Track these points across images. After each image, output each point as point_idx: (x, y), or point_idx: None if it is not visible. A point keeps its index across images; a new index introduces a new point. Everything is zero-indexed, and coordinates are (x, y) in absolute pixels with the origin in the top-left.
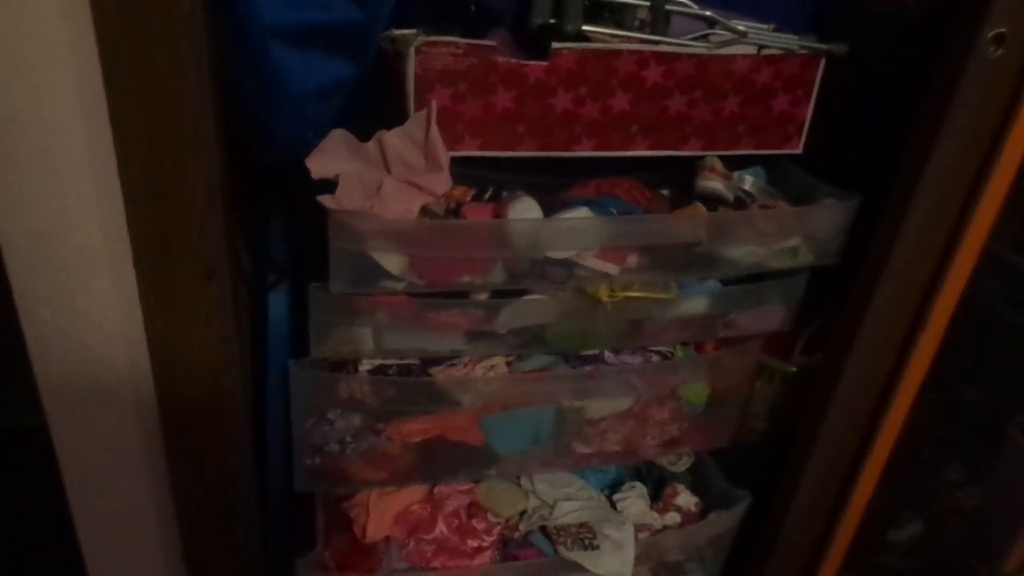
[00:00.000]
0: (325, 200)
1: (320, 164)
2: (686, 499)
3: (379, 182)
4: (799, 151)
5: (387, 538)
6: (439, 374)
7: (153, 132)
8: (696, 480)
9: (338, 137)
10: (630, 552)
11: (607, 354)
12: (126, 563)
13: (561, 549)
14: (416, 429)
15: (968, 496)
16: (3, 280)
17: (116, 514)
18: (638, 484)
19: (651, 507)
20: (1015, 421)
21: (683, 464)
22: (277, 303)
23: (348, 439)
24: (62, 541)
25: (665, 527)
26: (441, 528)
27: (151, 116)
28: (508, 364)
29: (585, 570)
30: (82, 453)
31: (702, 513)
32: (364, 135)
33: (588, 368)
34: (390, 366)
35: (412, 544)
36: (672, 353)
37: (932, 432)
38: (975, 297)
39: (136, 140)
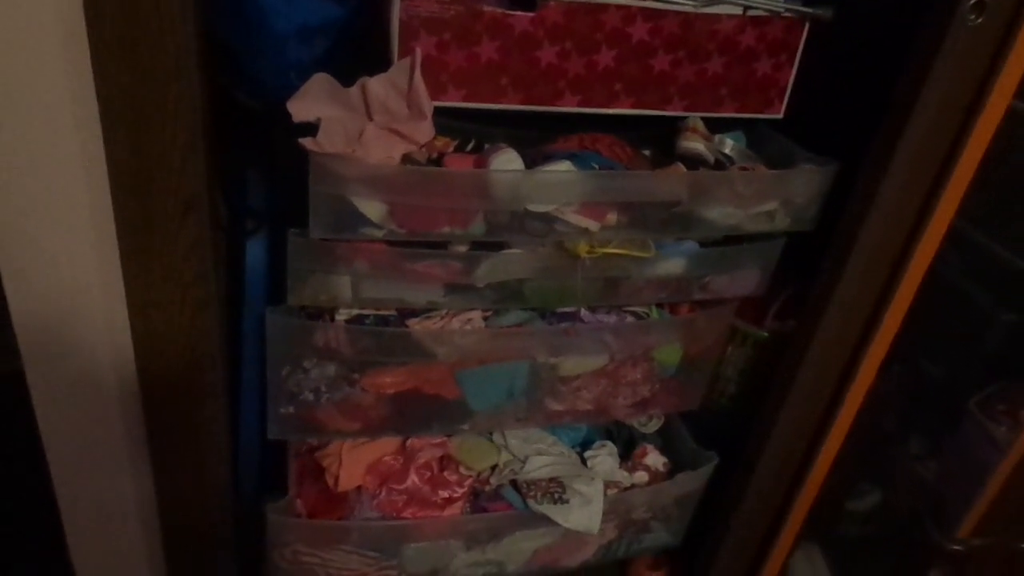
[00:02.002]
0: (306, 142)
1: (301, 107)
2: (655, 459)
3: (361, 128)
4: (780, 116)
5: (359, 488)
6: (416, 326)
7: (135, 65)
8: (665, 441)
9: (320, 81)
10: (598, 507)
11: (583, 312)
12: (99, 508)
13: (531, 502)
14: (391, 381)
15: (926, 470)
16: None
17: (90, 460)
18: (608, 443)
19: (620, 466)
20: (975, 398)
21: (653, 425)
22: (255, 250)
23: (323, 388)
24: (37, 485)
25: (633, 485)
26: (413, 479)
27: (133, 49)
28: (485, 318)
29: (554, 523)
30: (57, 399)
31: (670, 473)
32: (347, 81)
33: (564, 325)
34: (367, 316)
35: (383, 494)
36: (647, 314)
37: (895, 405)
38: (942, 273)
39: (118, 72)
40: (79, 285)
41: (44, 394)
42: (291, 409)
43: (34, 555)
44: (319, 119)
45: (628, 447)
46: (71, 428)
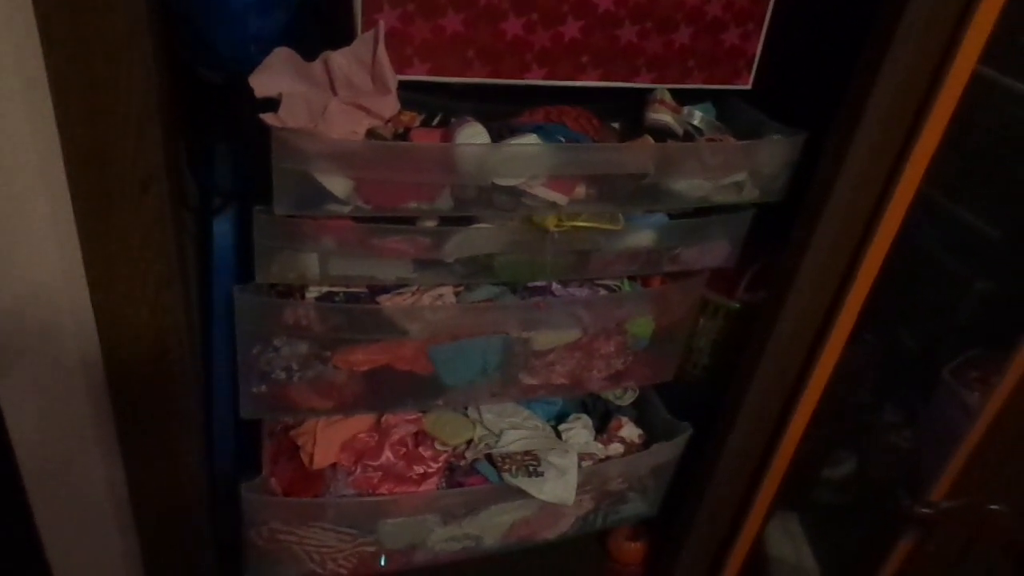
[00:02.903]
0: (268, 118)
1: (263, 82)
2: (630, 431)
3: (324, 103)
4: (748, 87)
5: (334, 465)
6: (387, 302)
7: (84, 31)
8: (640, 413)
9: (282, 55)
10: (573, 478)
11: (555, 286)
12: (69, 494)
13: (506, 476)
14: (363, 358)
15: (901, 438)
16: None
17: (58, 447)
18: (583, 416)
19: (596, 438)
20: (949, 366)
21: (628, 398)
22: (222, 228)
23: (294, 366)
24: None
25: (608, 457)
26: (388, 455)
27: (82, 14)
28: (456, 294)
29: (530, 496)
30: (21, 385)
31: (645, 445)
32: (310, 55)
33: (536, 299)
34: (337, 293)
35: (359, 471)
36: (619, 287)
37: (869, 374)
38: (914, 242)
39: (66, 40)
40: (41, 269)
41: (8, 380)
42: (263, 388)
43: (6, 543)
44: (281, 94)
45: (604, 420)
46: (37, 415)
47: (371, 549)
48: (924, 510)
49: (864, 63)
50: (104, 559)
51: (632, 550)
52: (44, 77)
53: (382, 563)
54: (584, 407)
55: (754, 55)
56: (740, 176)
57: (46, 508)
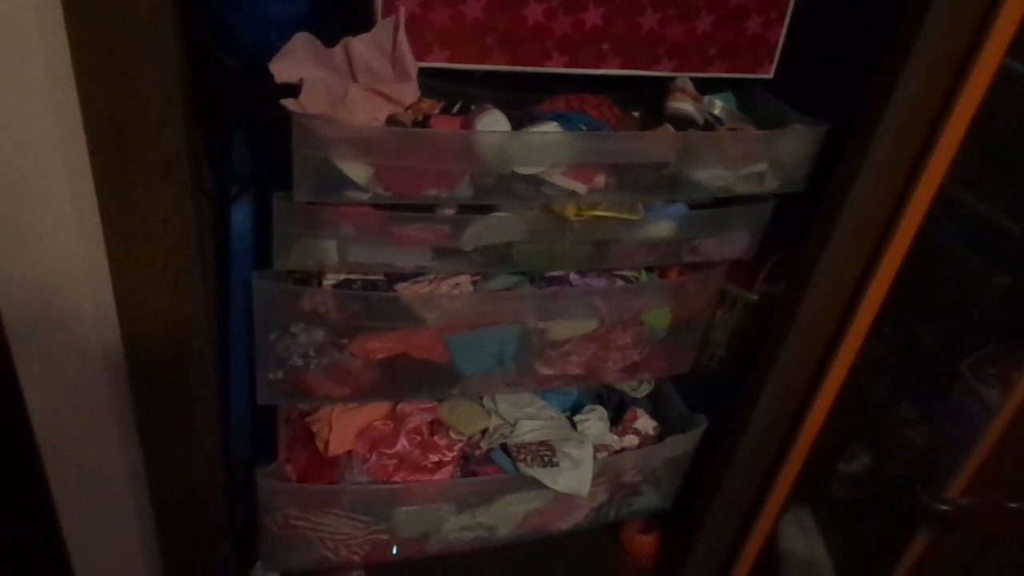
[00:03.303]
0: (288, 103)
1: (284, 68)
2: (645, 423)
3: (344, 90)
4: (770, 75)
5: (349, 452)
6: (404, 290)
7: (108, 14)
8: (656, 405)
9: (303, 41)
10: (588, 469)
11: (572, 276)
12: (88, 479)
13: (521, 466)
14: (380, 346)
15: (917, 433)
16: None
17: (78, 431)
18: (598, 407)
19: (611, 430)
20: (967, 361)
21: (643, 390)
22: (240, 215)
23: (311, 353)
24: (26, 458)
25: (623, 449)
26: (403, 443)
27: (103, 3)
28: (474, 283)
29: (544, 486)
30: (42, 370)
31: (660, 437)
32: (330, 40)
33: (553, 289)
34: (355, 281)
35: (374, 458)
36: (636, 277)
37: (886, 369)
38: (934, 235)
39: (88, 25)
40: (62, 253)
41: (29, 365)
42: (280, 375)
43: (26, 528)
44: (302, 80)
45: (618, 411)
46: (57, 397)
47: (385, 536)
48: (942, 506)
49: (890, 54)
50: (121, 541)
51: (644, 543)
52: (68, 62)
53: (394, 552)
54: (599, 398)
55: (776, 44)
56: (761, 166)
57: (64, 490)
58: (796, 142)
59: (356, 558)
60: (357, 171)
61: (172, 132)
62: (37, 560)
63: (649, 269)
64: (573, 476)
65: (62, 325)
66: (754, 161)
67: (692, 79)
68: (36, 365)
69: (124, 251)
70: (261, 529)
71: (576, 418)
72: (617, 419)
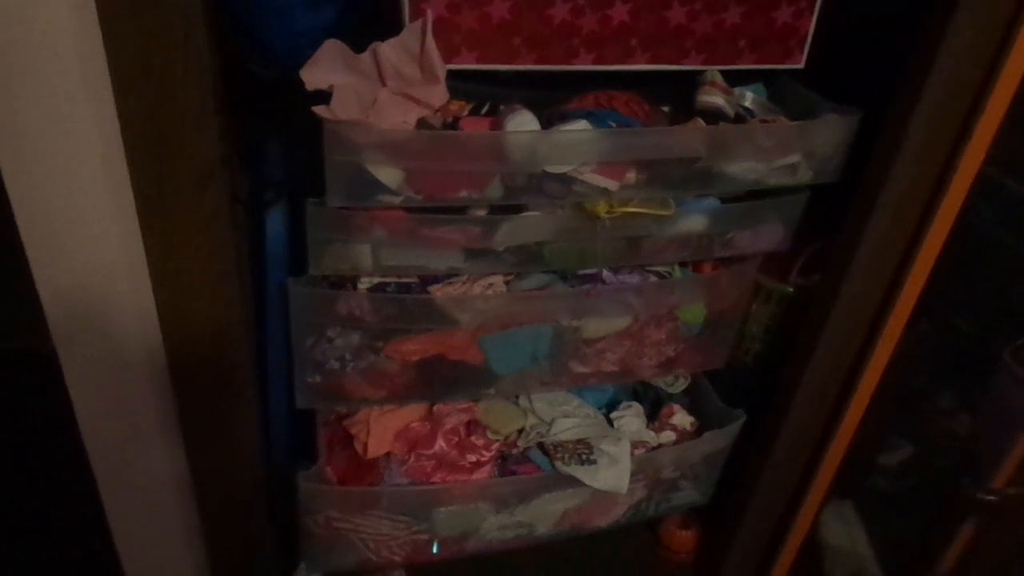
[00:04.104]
0: (320, 110)
1: (314, 75)
2: (682, 418)
3: (374, 95)
4: (801, 66)
5: (387, 454)
6: (438, 292)
7: (142, 33)
8: (692, 400)
9: (332, 48)
10: (626, 466)
11: (605, 273)
12: (135, 480)
13: (559, 464)
14: (415, 348)
15: (957, 423)
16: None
17: (124, 435)
18: (635, 403)
19: (648, 426)
20: (1009, 347)
21: (679, 385)
22: (275, 221)
23: (348, 357)
24: (75, 462)
25: (661, 445)
26: (441, 444)
27: (140, 16)
28: (506, 283)
29: (581, 484)
30: (88, 376)
31: (697, 432)
32: (359, 46)
33: (586, 287)
34: (389, 284)
35: (412, 460)
36: (669, 273)
37: (925, 358)
38: (971, 221)
39: (126, 40)
40: (105, 261)
41: (75, 371)
42: (317, 378)
43: (75, 531)
44: (332, 86)
45: (655, 407)
46: (103, 404)
47: (425, 537)
48: (988, 497)
49: (924, 38)
50: (169, 544)
51: (684, 538)
52: (106, 73)
53: (435, 550)
54: (635, 395)
55: (807, 33)
56: (794, 158)
57: (112, 494)
58: (830, 132)
59: (397, 558)
60: (388, 175)
61: (208, 143)
62: (89, 563)
63: (682, 264)
64: (612, 473)
65: (105, 331)
66: (787, 153)
67: (721, 72)
68: (81, 371)
69: (164, 260)
70: (303, 531)
71: (612, 415)
72: (654, 415)
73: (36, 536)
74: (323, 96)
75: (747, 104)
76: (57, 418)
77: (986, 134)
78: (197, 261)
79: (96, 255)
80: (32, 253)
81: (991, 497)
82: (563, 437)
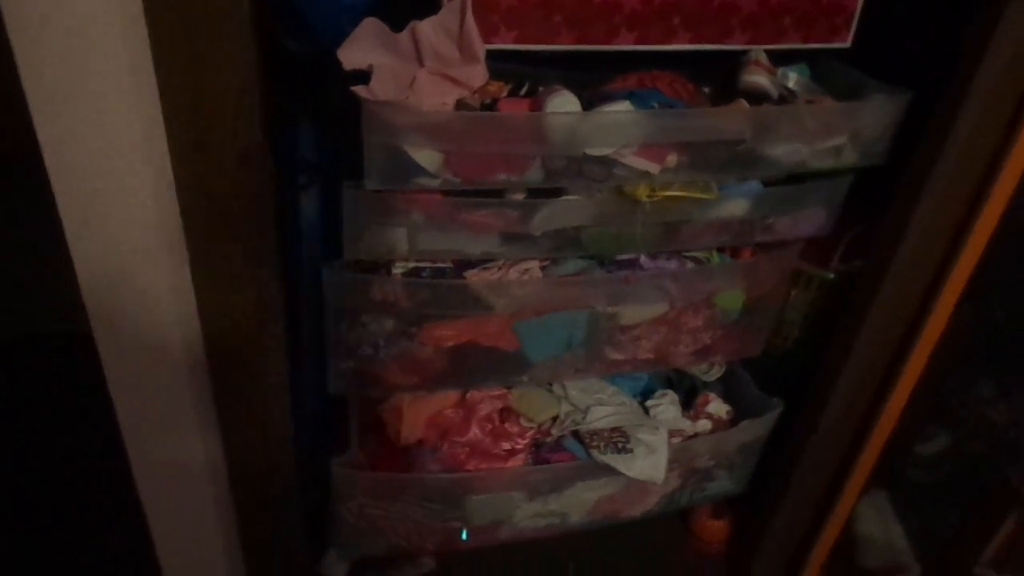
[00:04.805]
0: (359, 90)
1: (352, 54)
2: (718, 407)
3: (412, 75)
4: (847, 45)
5: (420, 441)
6: (473, 277)
7: (186, 14)
8: (728, 388)
9: (370, 26)
10: (663, 456)
11: (643, 258)
12: (169, 464)
13: (594, 452)
14: (449, 334)
15: (997, 412)
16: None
17: (159, 418)
18: (670, 391)
19: (683, 414)
20: None
21: (715, 373)
22: (309, 205)
23: (381, 342)
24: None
25: (696, 434)
26: (475, 431)
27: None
28: (542, 268)
29: (616, 472)
30: (124, 358)
31: (733, 420)
32: (398, 25)
33: (623, 273)
34: (424, 269)
35: (446, 447)
36: (708, 259)
37: (966, 346)
38: (1021, 209)
39: (170, 23)
40: (144, 243)
41: (112, 354)
42: (350, 364)
43: (110, 514)
44: (371, 66)
45: (690, 395)
46: (139, 386)
47: (457, 524)
48: None
49: (978, 20)
50: (202, 528)
51: (716, 528)
52: (148, 55)
53: (464, 538)
54: (669, 383)
55: (854, 11)
56: (840, 140)
57: (147, 477)
58: (877, 113)
59: (428, 546)
60: (427, 157)
61: (248, 124)
62: (123, 544)
63: (720, 250)
64: (648, 463)
65: (143, 313)
66: (833, 134)
67: (766, 52)
68: (117, 353)
69: (202, 242)
70: (334, 517)
71: (648, 403)
72: (689, 403)
73: (71, 517)
74: (360, 76)
75: (790, 85)
76: (93, 401)
77: None
78: (236, 243)
79: (135, 237)
80: (71, 234)
81: None
82: (598, 425)
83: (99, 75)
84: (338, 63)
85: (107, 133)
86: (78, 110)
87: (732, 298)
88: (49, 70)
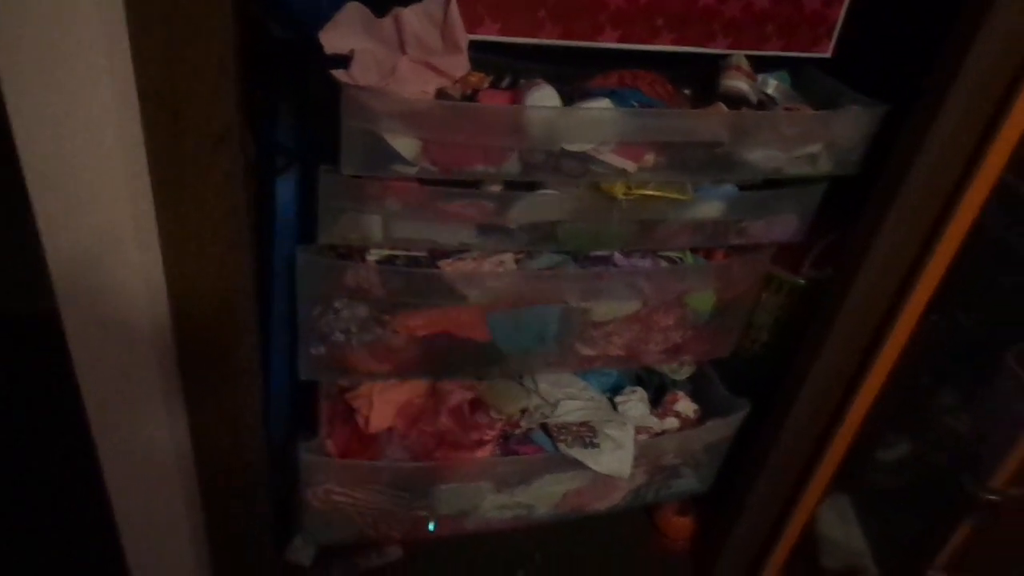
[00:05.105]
0: (339, 74)
1: (334, 38)
2: (685, 405)
3: (394, 62)
4: (829, 55)
5: (389, 429)
6: (447, 267)
7: None
8: (696, 388)
9: (353, 11)
10: (629, 452)
11: (616, 256)
12: (135, 447)
13: (561, 446)
14: (422, 323)
15: (957, 421)
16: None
17: (125, 399)
18: (639, 388)
19: (651, 412)
20: (1013, 350)
21: (684, 372)
22: (284, 188)
23: (353, 329)
24: (73, 426)
25: (664, 431)
26: (443, 421)
27: None
28: (517, 261)
29: (583, 467)
30: (91, 337)
31: (700, 420)
32: (381, 11)
33: (597, 269)
34: (398, 257)
35: (414, 435)
36: (681, 259)
37: (930, 356)
38: (987, 222)
39: None
40: (114, 222)
41: (78, 332)
42: (322, 350)
43: (73, 496)
44: (352, 51)
45: (659, 393)
46: (106, 369)
47: (424, 513)
48: (991, 496)
49: (955, 33)
50: (167, 512)
51: (680, 524)
52: (124, 30)
53: (431, 528)
54: (639, 380)
55: (836, 22)
56: (815, 147)
57: (112, 460)
58: (853, 124)
59: (395, 534)
60: (405, 145)
61: (225, 105)
62: (87, 529)
63: (693, 251)
64: (615, 458)
65: (111, 294)
66: (808, 142)
67: (747, 57)
68: (85, 334)
69: (174, 222)
70: (301, 503)
71: (617, 399)
72: (657, 401)
73: (34, 503)
74: (341, 61)
75: (770, 91)
76: (58, 383)
77: (1011, 136)
78: (208, 225)
79: (105, 216)
80: (40, 213)
81: (995, 496)
82: (567, 419)
83: (73, 51)
84: (319, 47)
85: (78, 109)
86: (47, 84)
87: (704, 299)
88: (19, 43)
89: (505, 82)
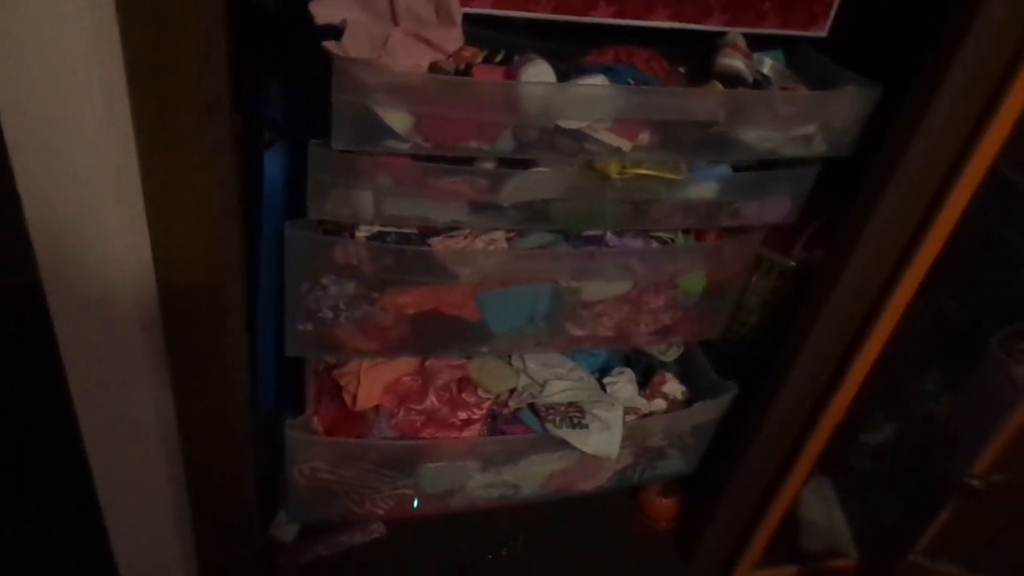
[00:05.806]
0: (330, 45)
1: (325, 9)
2: (673, 387)
3: (386, 35)
4: (824, 34)
5: (376, 407)
6: (438, 244)
7: None
8: (684, 370)
9: None
10: (617, 433)
11: (609, 236)
12: (119, 423)
13: (550, 426)
14: (411, 300)
15: (940, 406)
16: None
17: (110, 375)
18: (627, 369)
19: (639, 393)
20: (996, 336)
21: (672, 354)
22: (273, 162)
23: (342, 306)
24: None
25: (651, 412)
26: (432, 399)
27: None
28: (508, 240)
29: (570, 447)
30: (76, 312)
31: (688, 401)
32: None
33: (589, 249)
34: (388, 233)
35: (402, 414)
36: (672, 240)
37: (915, 340)
38: (979, 210)
39: None
40: (100, 194)
41: (63, 307)
42: (309, 326)
43: (56, 474)
44: (344, 22)
45: (647, 374)
46: (90, 343)
47: (410, 492)
48: (972, 481)
49: (953, 13)
50: (150, 489)
51: (664, 506)
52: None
53: (415, 506)
54: (627, 361)
55: (833, 0)
56: (810, 128)
57: (95, 436)
58: (848, 104)
59: (380, 512)
60: (397, 119)
61: (214, 74)
62: (70, 506)
63: (685, 232)
64: (603, 438)
65: (96, 267)
66: (803, 123)
67: (743, 35)
68: (69, 308)
69: (161, 195)
70: (286, 480)
71: (605, 380)
72: (645, 382)
73: (14, 478)
74: (332, 32)
75: (765, 70)
76: (42, 356)
77: (1006, 121)
78: (195, 198)
79: (91, 188)
80: (22, 182)
81: (976, 482)
82: (555, 399)
83: (58, 23)
84: (310, 18)
85: (65, 83)
86: (31, 50)
87: (694, 280)
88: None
89: (499, 57)
